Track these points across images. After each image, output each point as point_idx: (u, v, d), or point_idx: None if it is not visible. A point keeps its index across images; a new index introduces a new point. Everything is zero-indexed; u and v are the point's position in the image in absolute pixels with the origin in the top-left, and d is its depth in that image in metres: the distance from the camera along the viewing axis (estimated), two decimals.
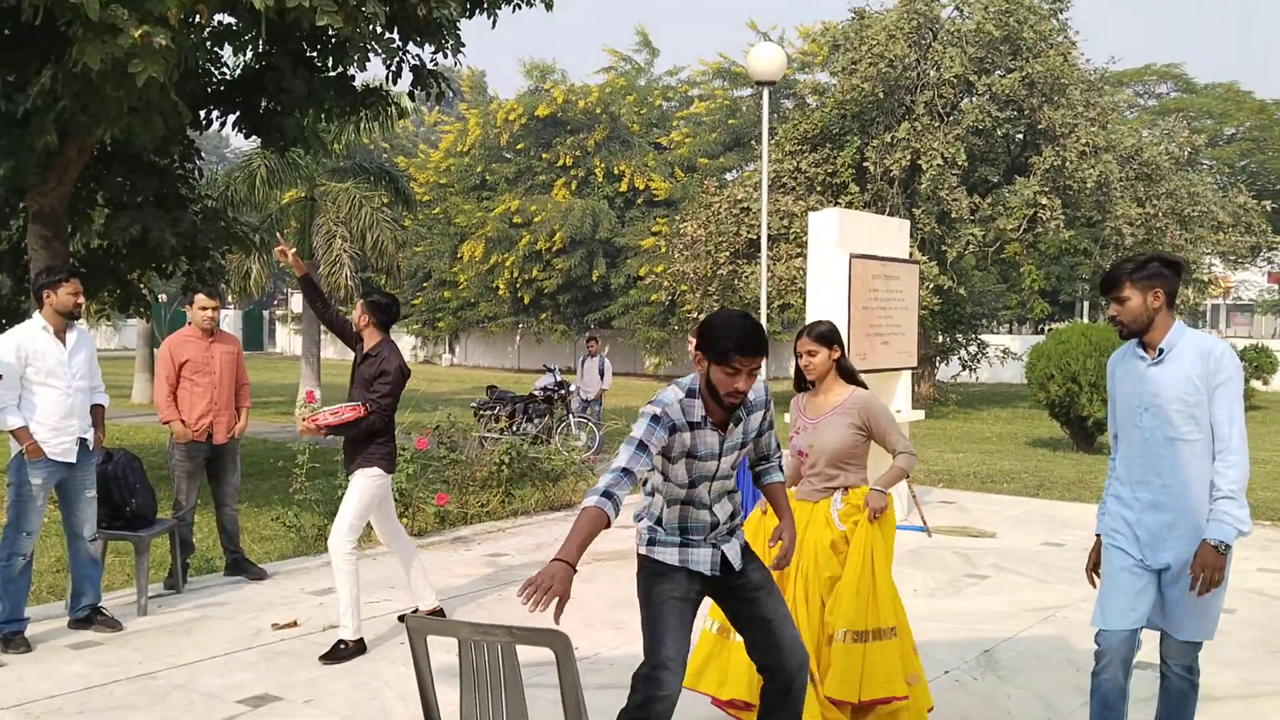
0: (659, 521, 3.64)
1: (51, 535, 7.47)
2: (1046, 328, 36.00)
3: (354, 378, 5.83)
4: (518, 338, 42.82)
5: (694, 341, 3.50)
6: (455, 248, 39.56)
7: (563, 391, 14.92)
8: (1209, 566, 3.50)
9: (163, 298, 30.64)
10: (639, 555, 3.69)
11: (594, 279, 35.97)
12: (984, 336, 28.43)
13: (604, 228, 35.33)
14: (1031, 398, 15.97)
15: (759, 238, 19.04)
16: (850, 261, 8.30)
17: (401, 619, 5.98)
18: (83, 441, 5.71)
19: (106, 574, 6.36)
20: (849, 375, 4.56)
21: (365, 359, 5.80)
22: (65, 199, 10.64)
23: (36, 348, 5.57)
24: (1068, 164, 19.82)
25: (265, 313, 55.03)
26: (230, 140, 56.78)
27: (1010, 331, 40.84)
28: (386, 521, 6.02)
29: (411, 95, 10.85)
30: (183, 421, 6.74)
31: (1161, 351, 3.64)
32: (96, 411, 5.86)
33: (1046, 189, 20.29)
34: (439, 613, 5.99)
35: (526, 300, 37.90)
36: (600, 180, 36.51)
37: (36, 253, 10.45)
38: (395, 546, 6.06)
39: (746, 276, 20.98)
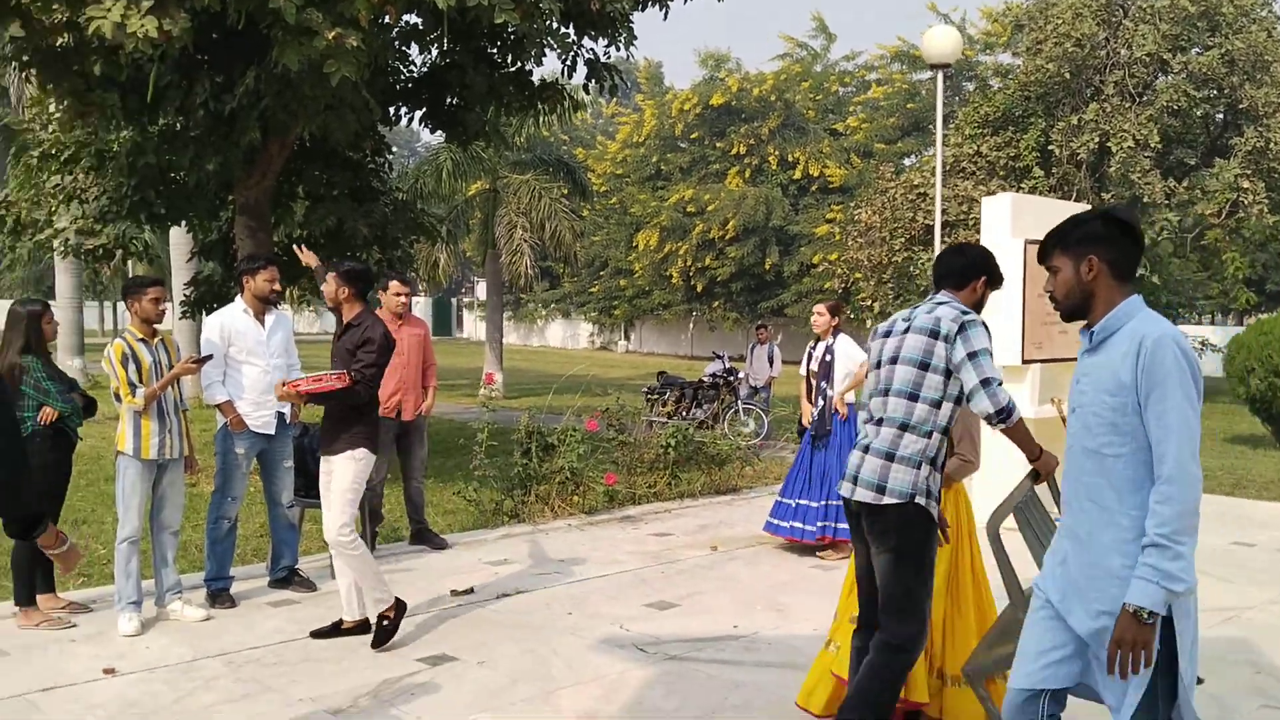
0: (939, 467, 3.71)
1: (255, 504, 8.07)
2: (1253, 318, 33.80)
3: (334, 352, 5.49)
4: (690, 325, 43.15)
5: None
6: (630, 237, 40.14)
7: (731, 378, 15.01)
8: (1126, 641, 2.61)
9: None
10: (914, 504, 3.64)
11: (766, 267, 35.87)
12: (1181, 327, 26.95)
13: (777, 215, 35.16)
14: (1231, 392, 15.08)
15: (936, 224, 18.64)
16: (1024, 247, 8.08)
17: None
18: (281, 415, 6.20)
19: (303, 539, 6.87)
20: None
21: (347, 330, 5.43)
22: (268, 192, 11.39)
23: (238, 328, 6.08)
24: (1272, 145, 18.58)
25: (454, 300, 57.24)
26: (420, 135, 59.20)
27: (1212, 322, 38.53)
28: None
29: (585, 89, 11.15)
30: None
31: (1094, 336, 2.87)
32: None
33: (1249, 172, 19.05)
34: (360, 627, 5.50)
35: (699, 288, 38.13)
36: (774, 168, 36.34)
37: (243, 242, 11.23)
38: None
39: (923, 264, 20.55)
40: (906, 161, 32.76)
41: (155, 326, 5.64)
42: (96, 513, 8.53)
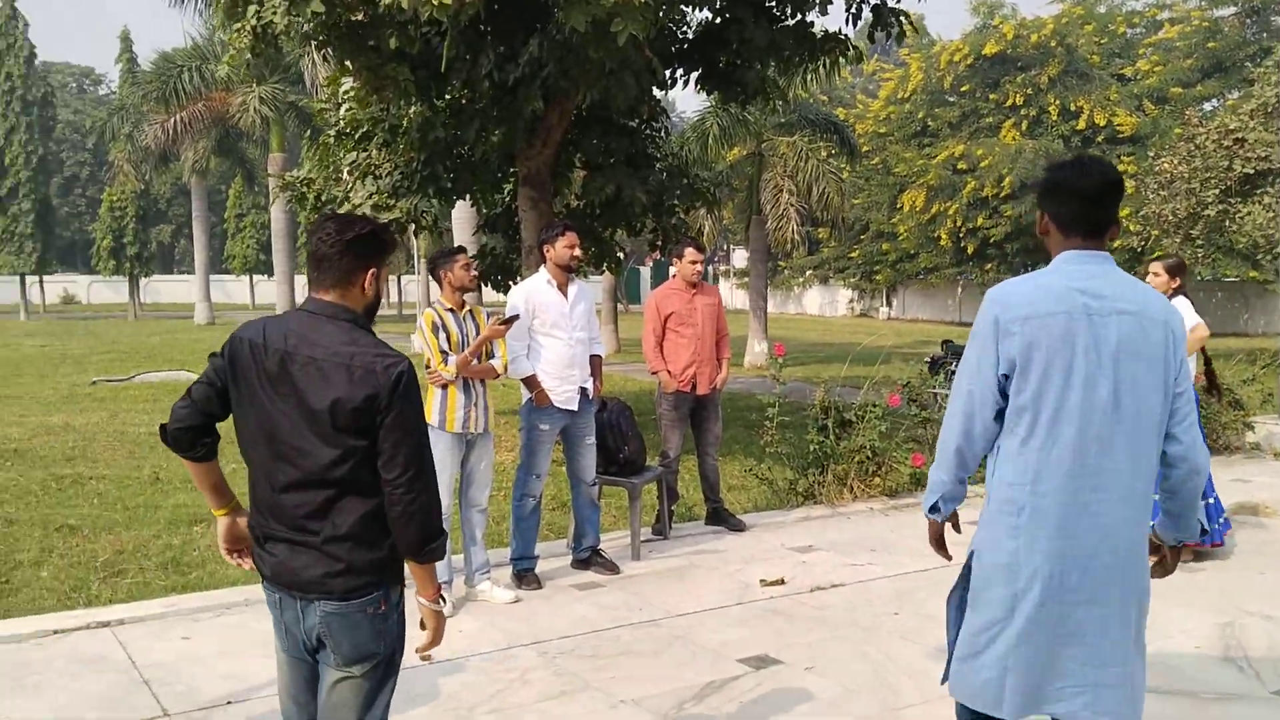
0: None
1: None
2: None
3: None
4: (959, 290, 41.12)
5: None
6: (894, 198, 38.59)
7: None
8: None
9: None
10: None
11: None
12: None
13: None
14: None
15: (1256, 173, 16.54)
16: None
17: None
18: (583, 390, 5.95)
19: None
20: None
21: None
22: (549, 162, 11.36)
23: (542, 300, 5.86)
24: None
25: (709, 268, 57.24)
26: (676, 104, 59.34)
27: None
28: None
29: (871, 37, 10.43)
30: (669, 372, 6.88)
31: None
32: (594, 362, 6.08)
33: None
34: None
35: (970, 250, 36.16)
36: (1054, 119, 33.86)
37: (525, 213, 11.27)
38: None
39: (1240, 217, 18.39)
40: (1207, 106, 29.67)
41: (464, 297, 5.49)
42: None
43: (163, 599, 5.63)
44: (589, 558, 6.11)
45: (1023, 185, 33.01)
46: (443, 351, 5.33)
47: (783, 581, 5.86)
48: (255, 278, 51.28)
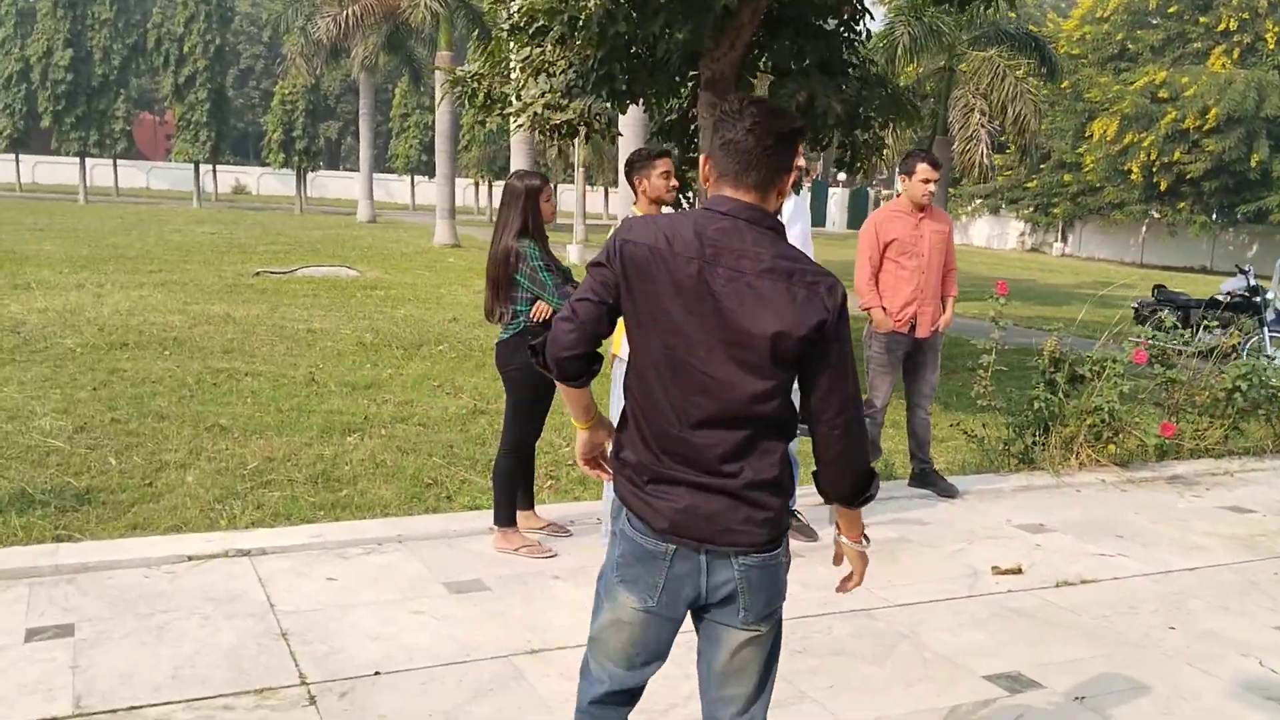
0: None
1: None
2: None
3: None
4: (1143, 229, 38.32)
5: None
6: (1082, 126, 35.99)
7: (1256, 298, 12.29)
8: None
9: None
10: None
11: (1252, 164, 30.77)
12: None
13: (1272, 103, 29.82)
14: None
15: None
16: None
17: None
18: None
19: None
20: None
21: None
22: (735, 65, 10.37)
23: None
24: None
25: (869, 190, 54.88)
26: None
27: None
28: None
29: None
30: (884, 309, 5.91)
31: None
32: None
33: None
34: None
35: (1163, 186, 33.52)
36: (1271, 47, 30.77)
37: (705, 120, 10.36)
38: None
39: None
40: None
41: (664, 209, 4.65)
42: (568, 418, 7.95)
43: (308, 527, 5.07)
44: None
45: (1230, 118, 30.20)
46: None
47: (1020, 571, 4.92)
48: (416, 178, 51.68)
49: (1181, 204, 34.01)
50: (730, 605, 2.30)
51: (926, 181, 5.75)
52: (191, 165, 42.20)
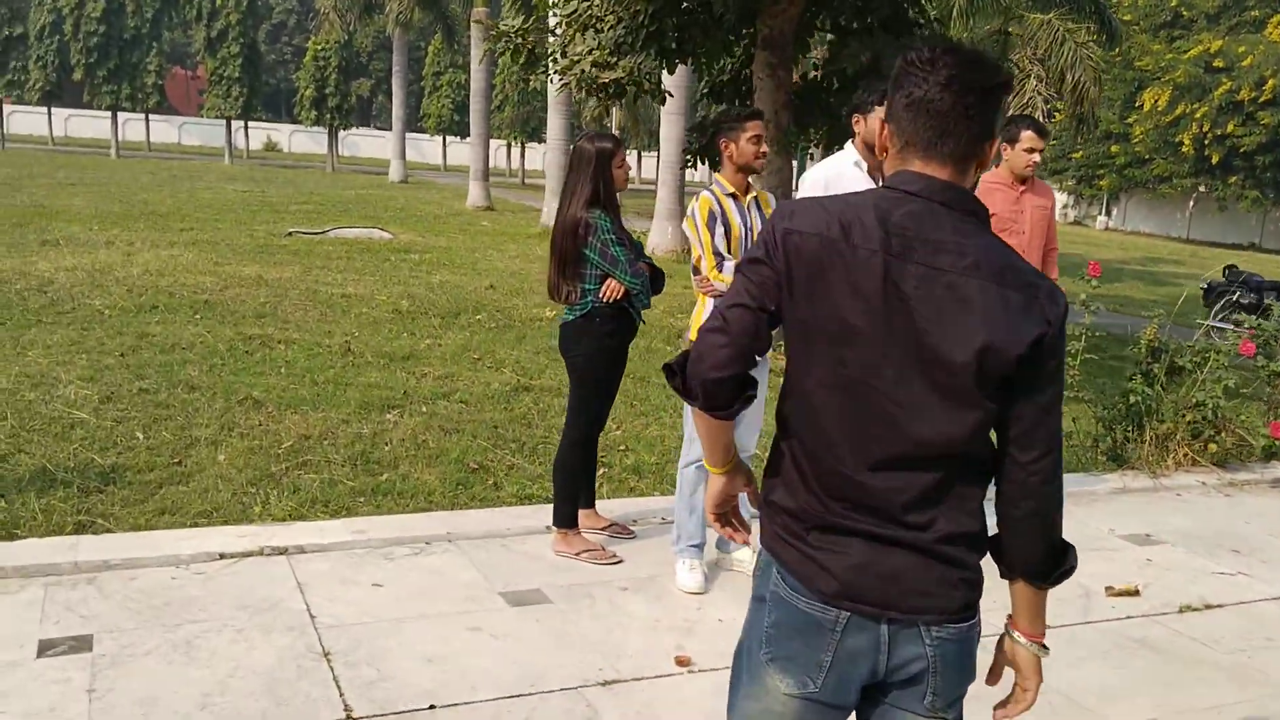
0: None
1: None
2: None
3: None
4: (1192, 203, 37.33)
5: None
6: (1132, 95, 35.00)
7: None
8: None
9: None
10: None
11: None
12: None
13: None
14: None
15: None
16: None
17: None
18: None
19: None
20: None
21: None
22: (794, 22, 9.82)
23: (849, 189, 4.42)
24: None
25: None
26: None
27: None
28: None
29: None
30: None
31: None
32: None
33: None
34: None
35: (1215, 159, 32.56)
36: None
37: (762, 81, 9.81)
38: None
39: None
40: None
41: (750, 179, 4.15)
42: (635, 412, 7.27)
43: (350, 521, 4.65)
44: None
45: None
46: (718, 254, 4.03)
47: (1136, 592, 4.43)
48: (448, 139, 51.17)
49: (1233, 178, 33.09)
50: (915, 687, 1.81)
51: (1031, 151, 5.19)
52: (223, 121, 41.86)
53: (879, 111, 4.24)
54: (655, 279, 4.25)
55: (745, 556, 4.32)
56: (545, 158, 24.27)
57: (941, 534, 1.75)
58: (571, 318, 4.22)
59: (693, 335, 4.14)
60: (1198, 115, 31.93)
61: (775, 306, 1.79)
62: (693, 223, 4.05)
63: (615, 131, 31.17)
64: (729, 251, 4.03)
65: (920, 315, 1.70)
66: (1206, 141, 32.41)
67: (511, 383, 7.62)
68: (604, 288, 4.15)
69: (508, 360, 8.41)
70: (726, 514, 2.03)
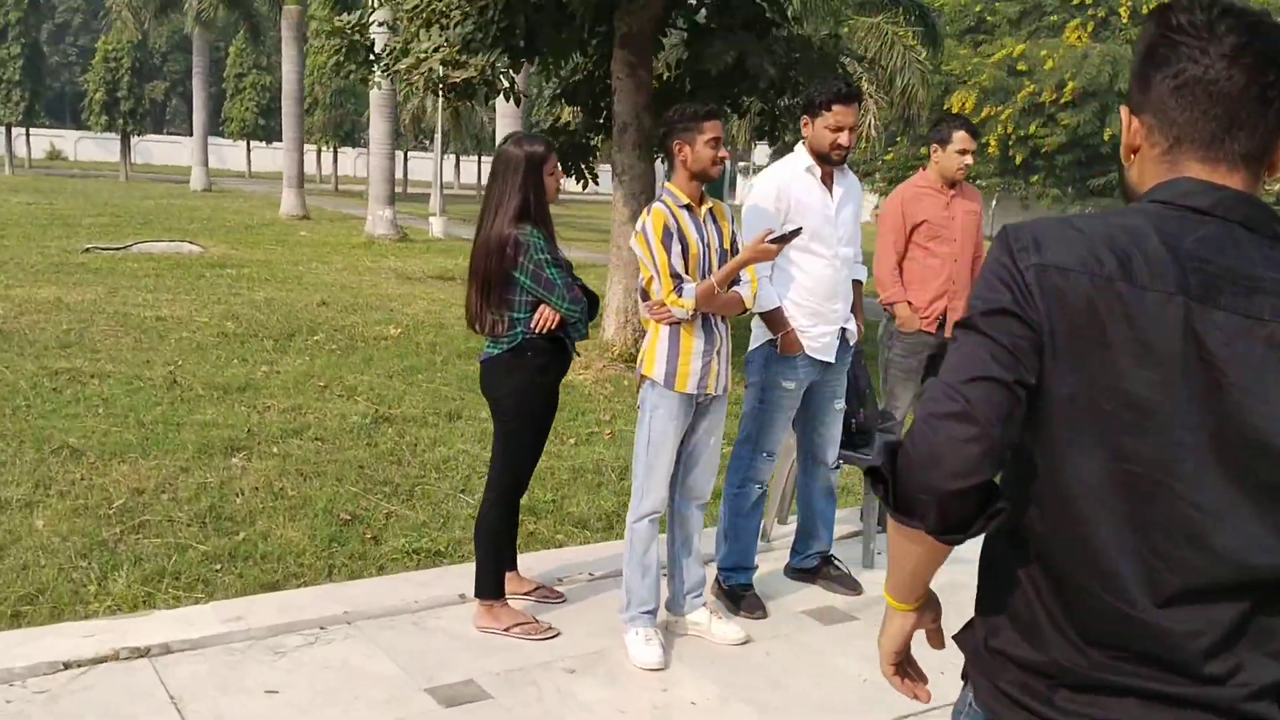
0: None
1: None
2: None
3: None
4: (993, 201, 39.08)
5: None
6: (940, 98, 36.20)
7: None
8: None
9: None
10: None
11: (1105, 138, 31.50)
12: None
13: (1125, 78, 30.51)
14: None
15: None
16: None
17: None
18: (843, 333, 4.07)
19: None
20: None
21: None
22: (654, 21, 9.39)
23: (801, 196, 3.88)
24: None
25: (730, 169, 54.46)
26: None
27: None
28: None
29: None
30: (909, 304, 4.99)
31: None
32: (855, 290, 4.17)
33: None
34: None
35: (1018, 160, 34.09)
36: (1124, 20, 31.54)
37: (621, 82, 9.33)
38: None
39: None
40: None
41: (703, 188, 3.57)
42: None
43: (220, 605, 3.84)
44: (817, 566, 4.32)
45: (1085, 92, 30.85)
46: (675, 275, 3.43)
47: None
48: (253, 144, 48.60)
49: (1034, 177, 34.73)
50: None
51: (964, 152, 4.86)
52: (3, 129, 38.42)
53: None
54: (590, 304, 3.62)
55: (701, 618, 3.74)
56: (369, 163, 23.07)
57: (1247, 688, 1.25)
58: (498, 352, 3.52)
59: (647, 369, 3.52)
60: (1003, 117, 33.34)
61: (1036, 380, 1.25)
62: (643, 240, 3.43)
63: (439, 134, 30.09)
64: (687, 272, 3.43)
65: (1234, 384, 1.20)
66: (1011, 142, 33.88)
67: (369, 413, 6.85)
68: (537, 316, 3.48)
69: (359, 387, 7.62)
70: (903, 663, 1.48)
